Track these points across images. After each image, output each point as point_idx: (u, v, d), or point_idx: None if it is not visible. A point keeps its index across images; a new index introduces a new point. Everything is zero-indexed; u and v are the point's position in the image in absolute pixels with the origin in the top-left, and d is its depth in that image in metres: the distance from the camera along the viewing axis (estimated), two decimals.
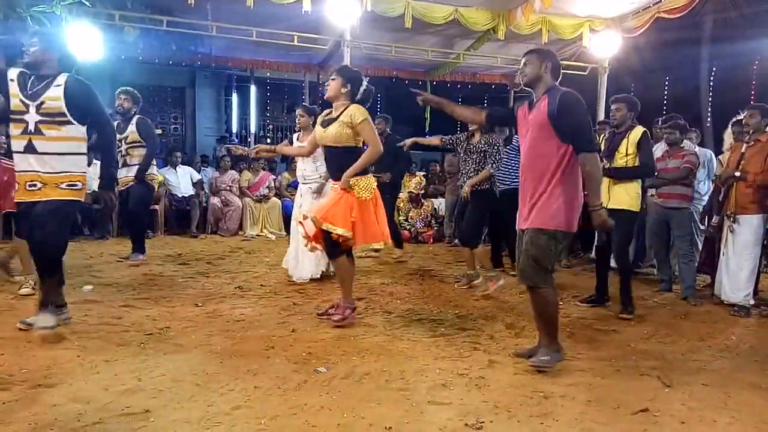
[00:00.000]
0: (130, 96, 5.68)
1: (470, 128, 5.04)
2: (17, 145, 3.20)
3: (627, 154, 4.22)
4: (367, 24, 7.79)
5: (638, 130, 4.24)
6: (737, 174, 4.49)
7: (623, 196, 4.26)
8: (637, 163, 4.22)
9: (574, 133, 2.93)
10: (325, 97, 3.89)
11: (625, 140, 4.25)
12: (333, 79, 3.76)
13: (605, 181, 4.17)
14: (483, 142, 4.93)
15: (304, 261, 5.05)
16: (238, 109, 14.23)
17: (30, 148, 3.18)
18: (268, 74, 13.06)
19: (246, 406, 2.50)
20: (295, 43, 8.14)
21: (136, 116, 5.67)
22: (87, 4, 6.74)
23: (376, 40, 8.64)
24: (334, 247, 3.74)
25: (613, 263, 4.61)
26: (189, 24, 7.89)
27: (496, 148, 4.92)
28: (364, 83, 3.80)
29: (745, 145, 4.55)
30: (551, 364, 3.03)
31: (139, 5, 7.70)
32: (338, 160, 3.74)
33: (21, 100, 3.17)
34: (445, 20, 7.72)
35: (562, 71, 3.18)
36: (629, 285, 4.36)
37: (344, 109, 3.70)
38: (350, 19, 7.36)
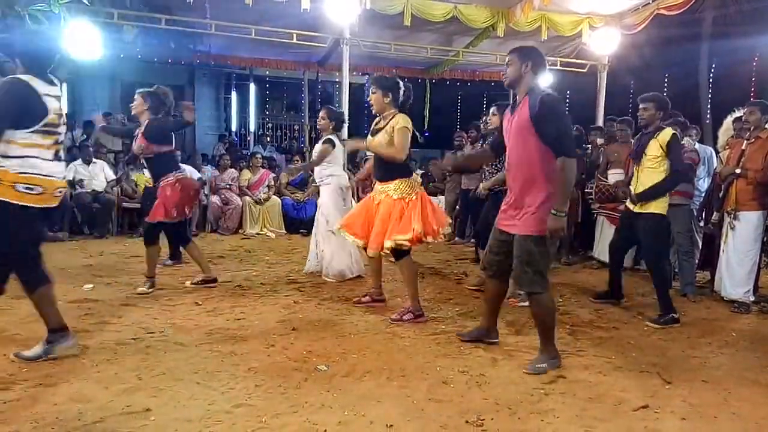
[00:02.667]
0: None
1: (490, 127, 4.77)
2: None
3: (656, 157, 4.09)
4: (366, 22, 7.78)
5: (667, 132, 4.05)
6: (738, 171, 4.49)
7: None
8: (664, 168, 4.07)
9: (556, 137, 2.85)
10: (373, 112, 4.00)
11: (654, 141, 4.10)
12: (373, 93, 3.89)
13: (633, 183, 4.19)
14: None
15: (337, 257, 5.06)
16: (238, 108, 14.22)
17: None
18: (267, 72, 13.06)
19: (247, 405, 2.50)
20: (294, 41, 8.13)
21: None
22: (86, 2, 6.73)
23: (375, 37, 8.63)
24: (399, 250, 3.84)
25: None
26: (188, 22, 7.88)
27: None
28: (402, 85, 3.93)
29: (745, 142, 4.54)
30: (545, 371, 3.01)
31: (137, 4, 7.70)
32: (384, 163, 3.87)
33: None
34: (445, 18, 7.71)
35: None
36: (666, 294, 4.14)
37: (392, 118, 3.85)
38: (349, 17, 7.35)
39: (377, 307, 4.21)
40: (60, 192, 3.19)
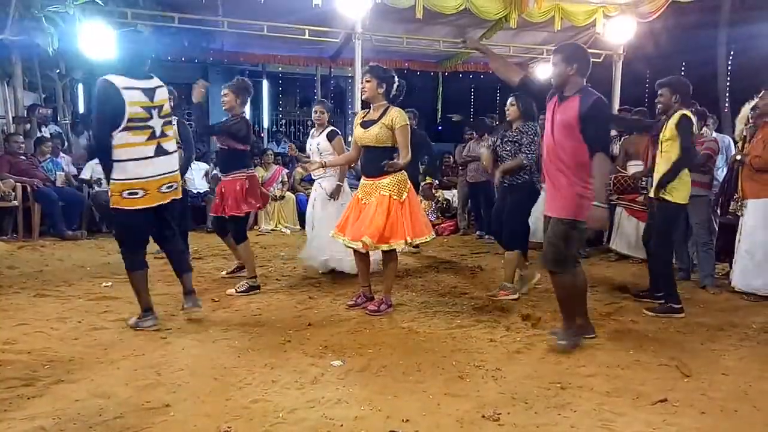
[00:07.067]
0: (173, 95, 5.22)
1: (508, 118, 4.63)
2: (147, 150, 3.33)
3: (669, 140, 3.98)
4: (378, 16, 7.75)
5: (677, 114, 3.96)
6: (738, 158, 4.42)
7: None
8: (677, 151, 3.94)
9: (595, 137, 3.12)
10: (363, 99, 4.02)
11: (668, 124, 4.01)
12: (368, 81, 3.87)
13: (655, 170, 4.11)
14: (517, 130, 4.50)
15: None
16: (251, 104, 14.19)
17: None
18: (280, 68, 13.08)
19: (264, 400, 2.52)
20: (307, 36, 8.12)
21: (175, 118, 5.16)
22: (100, 3, 6.80)
23: (387, 31, 8.59)
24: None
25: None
26: (200, 20, 7.91)
27: (530, 137, 4.43)
28: (397, 80, 3.93)
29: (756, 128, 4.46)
30: (568, 347, 3.22)
31: (150, 3, 7.75)
32: (377, 158, 3.81)
33: (143, 108, 3.30)
34: (457, 10, 7.65)
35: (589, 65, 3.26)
36: (669, 283, 4.09)
37: (384, 111, 3.85)
38: (361, 11, 7.33)
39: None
40: (170, 187, 3.42)
